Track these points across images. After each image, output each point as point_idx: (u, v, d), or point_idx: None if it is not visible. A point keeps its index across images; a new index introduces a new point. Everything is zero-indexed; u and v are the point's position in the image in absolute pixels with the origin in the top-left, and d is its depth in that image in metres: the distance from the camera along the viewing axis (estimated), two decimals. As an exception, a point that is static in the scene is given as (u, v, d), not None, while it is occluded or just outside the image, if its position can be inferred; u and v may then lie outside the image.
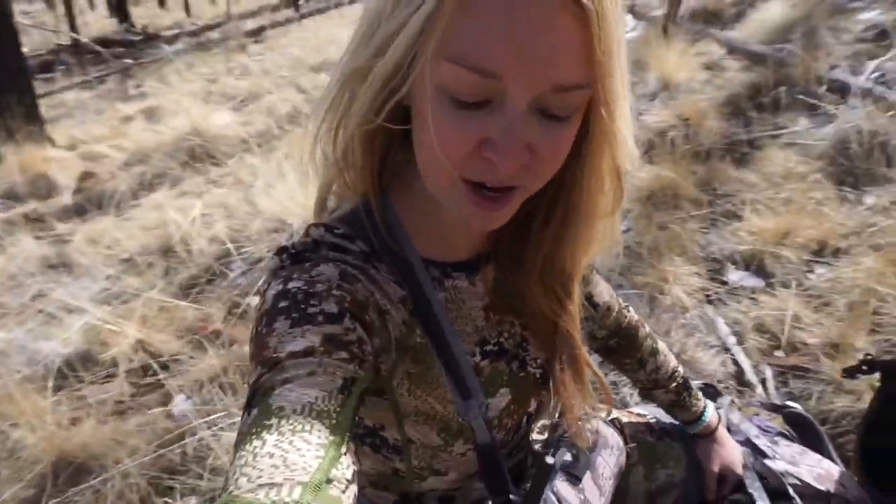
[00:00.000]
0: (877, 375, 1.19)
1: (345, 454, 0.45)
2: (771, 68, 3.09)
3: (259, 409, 0.47)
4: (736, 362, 1.73)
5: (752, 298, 1.93)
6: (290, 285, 0.56)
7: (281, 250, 0.61)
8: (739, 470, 1.04)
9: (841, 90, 2.83)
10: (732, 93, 3.18)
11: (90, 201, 3.79)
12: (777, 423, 1.40)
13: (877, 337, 1.67)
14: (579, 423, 0.78)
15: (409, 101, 0.55)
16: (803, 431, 1.34)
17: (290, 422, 0.45)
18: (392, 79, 0.52)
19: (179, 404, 2.00)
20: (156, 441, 1.79)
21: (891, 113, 2.44)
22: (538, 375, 0.77)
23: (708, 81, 3.44)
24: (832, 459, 1.26)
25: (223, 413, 1.77)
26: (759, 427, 1.29)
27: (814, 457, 1.22)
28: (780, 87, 3.02)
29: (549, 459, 0.80)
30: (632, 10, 4.89)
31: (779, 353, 1.74)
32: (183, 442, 1.76)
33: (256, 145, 3.92)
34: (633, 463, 0.97)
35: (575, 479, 0.80)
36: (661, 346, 1.03)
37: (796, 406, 1.45)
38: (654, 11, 4.62)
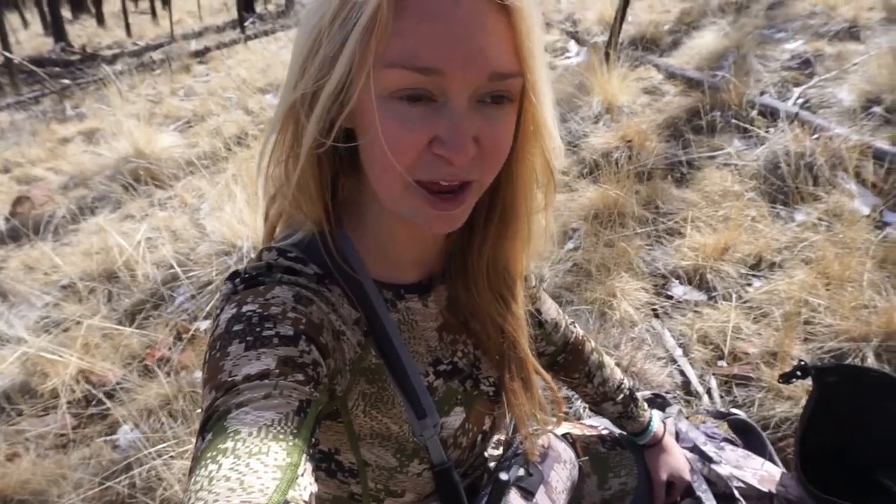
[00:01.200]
0: (810, 380, 1.26)
1: (302, 475, 0.46)
2: (706, 93, 3.25)
3: (214, 433, 0.47)
4: (682, 373, 1.80)
5: (695, 311, 2.01)
6: (245, 309, 0.56)
7: (233, 275, 0.61)
8: (686, 476, 1.08)
9: (770, 114, 3.00)
10: (671, 116, 3.32)
11: (25, 226, 3.64)
12: (722, 429, 1.46)
13: (810, 345, 1.77)
14: (531, 435, 0.81)
15: (352, 124, 0.58)
16: (747, 437, 1.40)
17: (247, 445, 0.45)
18: (339, 96, 0.54)
19: (126, 434, 1.93)
20: (101, 473, 1.72)
21: (815, 136, 2.60)
22: (491, 393, 0.78)
23: (648, 105, 3.58)
24: (774, 462, 1.33)
25: (174, 441, 1.71)
26: (706, 434, 1.34)
27: (757, 460, 1.28)
28: (714, 111, 3.17)
29: (503, 476, 0.82)
30: (575, 36, 5.07)
31: (722, 363, 1.82)
32: (130, 473, 1.70)
33: (203, 167, 3.85)
34: (587, 474, 0.99)
35: (528, 494, 0.82)
36: (608, 360, 1.06)
37: (740, 413, 1.52)
38: (595, 38, 4.80)
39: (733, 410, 1.56)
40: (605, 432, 1.10)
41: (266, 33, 7.20)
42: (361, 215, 0.67)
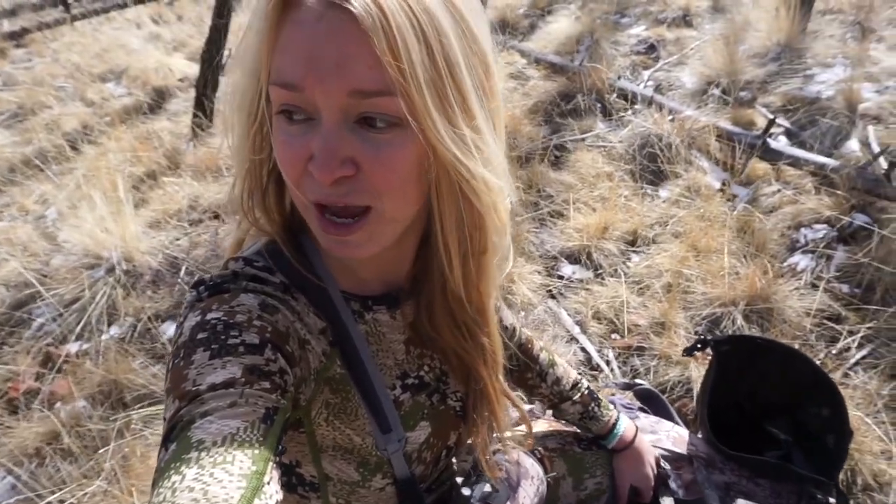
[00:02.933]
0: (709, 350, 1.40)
1: (268, 483, 0.46)
2: (570, 79, 3.43)
3: (177, 443, 0.46)
4: (584, 349, 1.92)
5: (587, 289, 2.15)
6: (209, 316, 0.55)
7: (198, 283, 0.60)
8: (651, 484, 1.11)
9: (628, 98, 3.24)
10: (539, 100, 3.48)
11: None
12: (629, 398, 1.59)
13: (690, 312, 1.97)
14: (491, 458, 0.81)
15: None
16: (652, 403, 1.54)
17: (211, 454, 0.45)
18: (252, 110, 0.58)
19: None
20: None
21: (671, 118, 2.86)
22: (458, 409, 0.79)
23: (515, 90, 3.72)
24: (677, 423, 1.47)
25: (75, 485, 1.54)
26: (623, 405, 1.46)
27: (667, 424, 1.41)
28: (577, 95, 3.37)
29: (466, 491, 0.83)
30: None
31: (616, 336, 1.97)
32: (17, 528, 1.52)
33: (45, 168, 3.42)
34: (562, 476, 1.03)
35: None
36: (558, 359, 1.09)
37: (643, 382, 1.66)
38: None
39: (637, 381, 1.70)
40: (580, 432, 1.14)
41: (97, 13, 6.47)
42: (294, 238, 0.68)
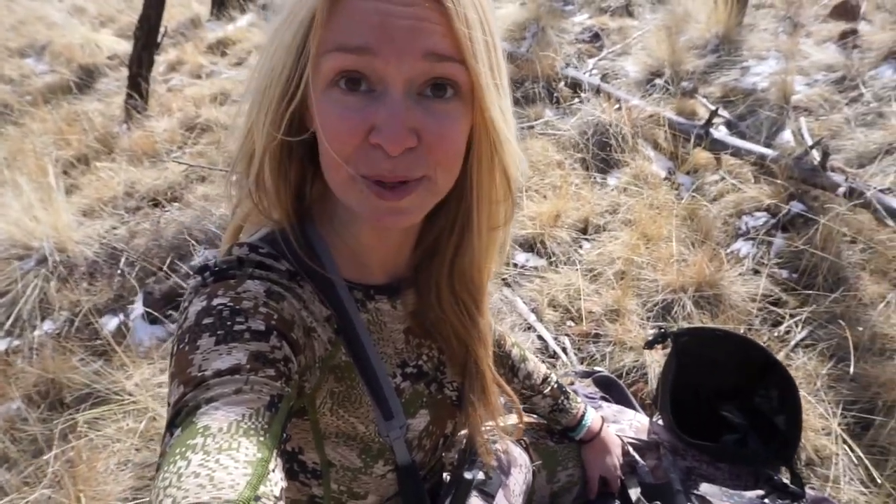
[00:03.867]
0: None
1: (273, 471, 0.46)
2: (519, 66, 3.44)
3: (183, 428, 0.46)
4: (540, 337, 1.95)
5: (541, 277, 2.18)
6: (215, 302, 0.55)
7: (203, 268, 0.59)
8: (618, 472, 1.14)
9: (576, 86, 3.28)
10: (487, 87, 3.47)
11: None
12: (589, 386, 1.63)
13: (642, 298, 2.02)
14: (486, 444, 0.83)
15: (309, 121, 0.59)
16: (612, 391, 1.58)
17: (217, 440, 0.45)
18: (287, 89, 0.56)
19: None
20: None
21: (617, 107, 2.92)
22: (454, 398, 0.80)
23: (463, 75, 3.70)
24: (638, 410, 1.52)
25: (15, 494, 1.45)
26: (585, 395, 1.48)
27: (629, 413, 1.45)
28: (526, 82, 3.39)
29: (467, 475, 0.84)
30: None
31: (571, 324, 2.00)
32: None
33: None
34: (537, 469, 1.04)
35: (489, 497, 0.85)
36: (528, 354, 1.10)
37: (602, 370, 1.69)
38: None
39: (597, 369, 1.74)
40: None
41: (11, -18, 6.03)
42: (330, 216, 0.68)
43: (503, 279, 2.20)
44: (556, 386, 1.10)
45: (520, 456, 0.92)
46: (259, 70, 0.58)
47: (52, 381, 1.83)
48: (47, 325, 2.19)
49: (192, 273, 0.58)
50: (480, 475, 0.84)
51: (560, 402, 1.09)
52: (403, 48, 0.51)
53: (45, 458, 1.53)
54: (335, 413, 0.66)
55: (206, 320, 0.53)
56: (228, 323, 0.53)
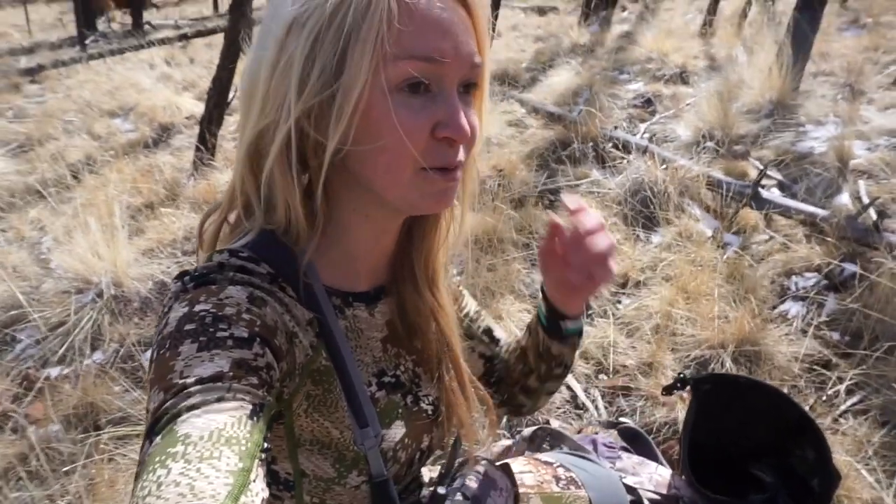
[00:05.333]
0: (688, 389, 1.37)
1: (254, 481, 0.45)
2: (567, 127, 3.50)
3: (163, 436, 0.46)
4: (570, 388, 1.89)
5: (575, 329, 2.13)
6: (198, 308, 0.55)
7: (182, 274, 0.60)
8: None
9: (623, 147, 3.29)
10: (536, 147, 3.54)
11: None
12: (613, 437, 1.55)
13: (678, 354, 1.94)
14: (473, 436, 0.82)
15: (344, 141, 0.60)
16: (636, 443, 1.50)
17: (198, 449, 0.45)
18: (358, 92, 0.57)
19: (-39, 504, 1.66)
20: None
21: (664, 167, 2.90)
22: (430, 412, 0.79)
23: (513, 137, 3.79)
24: (662, 464, 1.43)
25: (34, 505, 1.49)
26: (605, 445, 1.42)
27: (650, 465, 1.37)
28: (574, 144, 3.43)
29: (441, 489, 0.81)
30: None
31: (603, 377, 1.94)
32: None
33: (43, 195, 3.45)
34: None
35: None
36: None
37: (628, 421, 1.62)
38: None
39: (622, 419, 1.66)
40: (559, 469, 1.10)
41: (112, 53, 6.67)
42: (319, 225, 0.67)
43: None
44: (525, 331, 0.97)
45: (500, 479, 0.88)
46: (301, 80, 0.58)
47: (91, 405, 1.90)
48: (97, 356, 2.29)
49: (171, 280, 0.60)
50: (459, 497, 0.81)
51: (531, 326, 0.94)
52: (463, 57, 0.59)
53: (69, 475, 1.57)
54: (310, 416, 0.66)
55: (188, 326, 0.53)
56: (211, 329, 0.53)
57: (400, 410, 0.75)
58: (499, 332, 1.00)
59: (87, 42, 7.24)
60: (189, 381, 0.49)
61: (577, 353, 0.92)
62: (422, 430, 0.77)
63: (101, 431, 1.75)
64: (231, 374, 0.50)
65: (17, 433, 1.87)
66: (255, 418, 0.49)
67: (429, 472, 0.91)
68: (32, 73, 6.36)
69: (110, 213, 2.95)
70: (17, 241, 3.19)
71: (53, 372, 2.20)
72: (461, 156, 0.63)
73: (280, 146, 0.60)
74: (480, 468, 0.87)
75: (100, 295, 2.48)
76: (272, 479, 0.67)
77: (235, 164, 0.67)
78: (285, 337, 0.60)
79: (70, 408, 1.91)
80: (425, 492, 0.87)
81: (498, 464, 0.98)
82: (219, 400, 0.48)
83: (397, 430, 0.74)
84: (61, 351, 2.24)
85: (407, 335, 0.78)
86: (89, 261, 2.59)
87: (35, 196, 3.53)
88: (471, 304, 0.96)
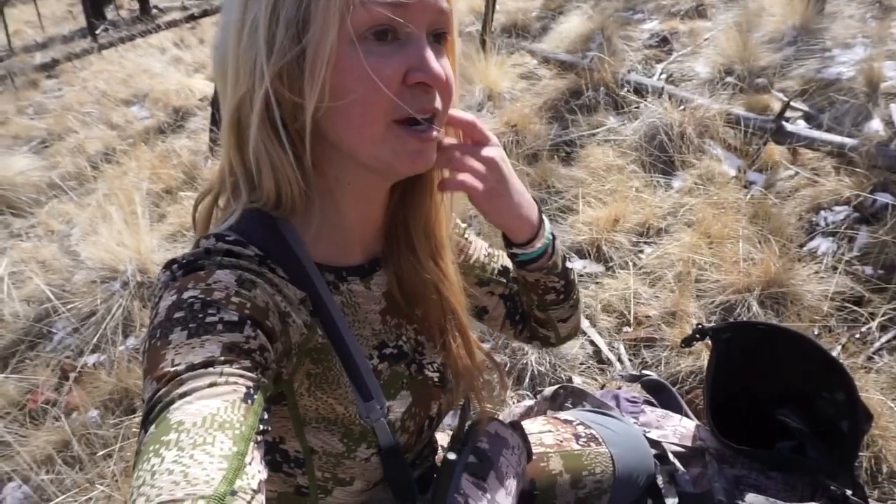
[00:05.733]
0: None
1: (250, 464, 0.45)
2: (580, 74, 3.39)
3: (157, 425, 0.46)
4: (593, 343, 1.87)
5: (597, 283, 2.10)
6: (186, 295, 0.54)
7: (170, 263, 0.59)
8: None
9: (639, 91, 3.18)
10: (549, 98, 3.44)
11: None
12: (637, 390, 1.54)
13: (702, 301, 1.90)
14: (484, 399, 0.83)
15: (317, 102, 0.59)
16: (660, 395, 1.48)
17: (191, 436, 0.45)
18: (328, 44, 0.57)
19: (13, 492, 1.74)
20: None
21: (682, 107, 2.79)
22: (436, 379, 0.79)
23: (526, 89, 3.68)
24: (687, 416, 1.41)
25: (76, 490, 1.55)
26: (626, 399, 1.40)
27: (674, 418, 1.36)
28: (588, 91, 3.32)
29: (451, 455, 0.81)
30: (448, 27, 5.12)
31: (627, 329, 1.91)
32: (25, 535, 1.53)
33: (68, 190, 3.52)
34: (558, 473, 0.99)
35: (480, 480, 0.81)
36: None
37: (651, 373, 1.60)
38: (469, 28, 4.87)
39: (645, 372, 1.65)
40: (579, 427, 1.10)
41: (122, 41, 6.66)
42: (312, 197, 0.67)
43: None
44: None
45: (511, 437, 0.88)
46: (268, 44, 0.57)
47: (126, 391, 1.96)
48: (130, 342, 2.35)
49: (161, 269, 0.60)
50: (471, 457, 0.81)
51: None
52: (428, 1, 0.58)
53: (107, 459, 1.63)
54: (313, 395, 0.66)
55: (177, 314, 0.53)
56: (200, 315, 0.53)
57: (405, 380, 0.75)
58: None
59: (97, 32, 7.25)
60: (180, 368, 0.49)
61: (564, 276, 0.87)
62: (429, 397, 0.77)
63: (135, 415, 1.81)
64: (222, 358, 0.50)
65: (58, 421, 1.94)
66: (249, 401, 0.49)
67: (445, 437, 0.91)
68: (48, 67, 6.42)
69: (130, 201, 3.00)
70: (46, 236, 3.27)
71: (90, 360, 2.27)
72: (438, 103, 0.62)
73: (260, 114, 0.59)
74: (491, 429, 0.86)
75: (126, 283, 2.53)
76: (283, 457, 0.68)
77: (221, 142, 0.66)
78: (278, 317, 0.59)
79: (106, 394, 1.97)
80: (439, 455, 0.88)
81: (508, 422, 0.98)
82: (211, 385, 0.48)
83: (404, 401, 0.74)
84: (95, 340, 2.31)
85: (407, 304, 0.77)
86: (114, 250, 2.64)
87: (59, 191, 3.60)
88: (479, 250, 0.93)
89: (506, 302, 0.95)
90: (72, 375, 2.12)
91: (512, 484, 0.83)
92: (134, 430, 1.70)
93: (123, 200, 3.04)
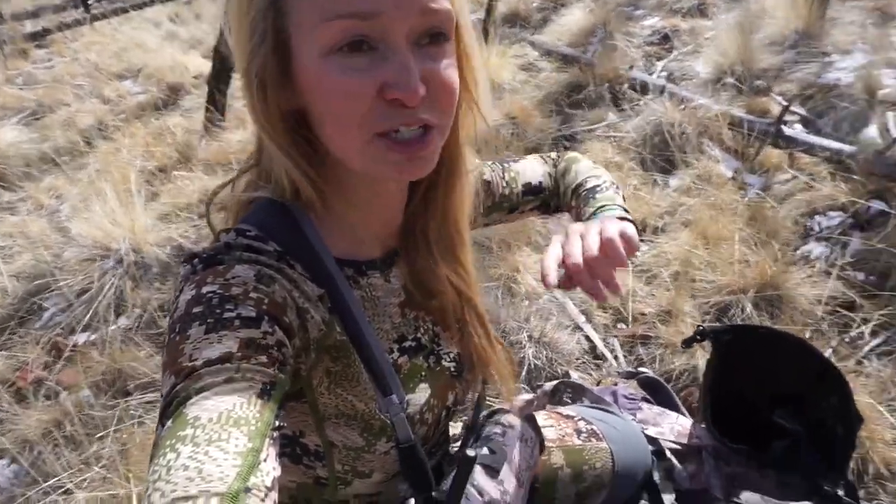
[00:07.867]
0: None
1: (264, 460, 0.45)
2: (580, 69, 3.39)
3: (173, 420, 0.46)
4: (588, 338, 1.89)
5: (593, 279, 2.10)
6: (205, 289, 0.54)
7: (191, 256, 0.59)
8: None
9: (640, 87, 3.19)
10: (549, 92, 3.44)
11: None
12: (633, 388, 1.56)
13: (698, 300, 1.92)
14: (510, 391, 0.84)
15: (301, 100, 0.60)
16: (656, 393, 1.50)
17: (206, 431, 0.45)
18: (280, 67, 0.57)
19: (3, 470, 1.73)
20: (-20, 518, 1.52)
21: (682, 107, 2.81)
22: (452, 369, 0.79)
23: (526, 82, 3.68)
24: (681, 413, 1.43)
25: (67, 472, 1.55)
26: (624, 396, 1.42)
27: (671, 415, 1.37)
28: (589, 86, 3.32)
29: (470, 452, 0.82)
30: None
31: (622, 326, 1.93)
32: (18, 512, 1.52)
33: (56, 164, 3.47)
34: (559, 467, 1.00)
35: (494, 472, 0.82)
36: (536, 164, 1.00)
37: (648, 371, 1.62)
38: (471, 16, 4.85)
39: (641, 370, 1.66)
40: (581, 423, 1.11)
41: (116, 13, 6.54)
42: (325, 192, 0.67)
43: (554, 281, 2.15)
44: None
45: (525, 430, 0.89)
46: (243, 47, 0.58)
47: (119, 371, 1.95)
48: (122, 321, 2.33)
49: (181, 262, 0.60)
50: (485, 450, 0.82)
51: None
52: (405, 5, 0.53)
53: (102, 439, 1.63)
54: (333, 392, 0.66)
55: (196, 309, 0.53)
56: (218, 311, 0.53)
57: (423, 373, 0.75)
58: (537, 180, 0.96)
59: (90, 3, 7.12)
60: (198, 363, 0.49)
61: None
62: (446, 388, 0.78)
63: (130, 397, 1.80)
64: (239, 354, 0.50)
65: (49, 399, 1.93)
66: (265, 397, 0.49)
67: (460, 426, 0.92)
68: (38, 37, 6.29)
69: (125, 179, 2.96)
70: (35, 211, 3.23)
71: (81, 338, 2.25)
72: (427, 114, 0.58)
73: (255, 103, 0.59)
74: (505, 420, 0.87)
75: (120, 261, 2.51)
76: (302, 450, 0.68)
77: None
78: (296, 313, 0.59)
79: (99, 374, 1.96)
80: (455, 443, 0.88)
81: (540, 423, 0.99)
82: (227, 381, 0.48)
83: (422, 393, 0.74)
84: (86, 318, 2.29)
85: (422, 297, 0.77)
86: (107, 227, 2.61)
87: (50, 164, 3.55)
88: (499, 184, 0.92)
89: (541, 212, 1.01)
90: (63, 354, 2.10)
91: (525, 475, 0.84)
92: (131, 412, 1.69)
93: (118, 177, 3.01)
